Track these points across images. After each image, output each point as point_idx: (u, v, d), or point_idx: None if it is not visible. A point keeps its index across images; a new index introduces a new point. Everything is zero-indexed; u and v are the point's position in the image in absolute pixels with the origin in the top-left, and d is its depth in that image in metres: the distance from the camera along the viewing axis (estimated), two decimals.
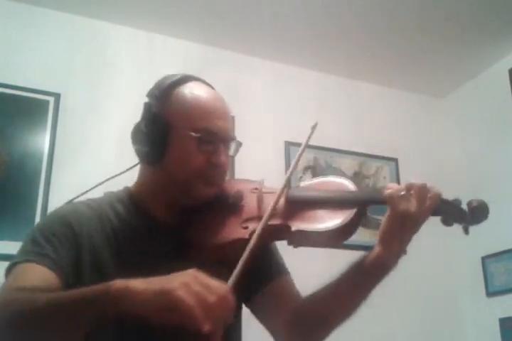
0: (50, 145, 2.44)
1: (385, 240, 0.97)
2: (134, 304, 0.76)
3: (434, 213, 0.97)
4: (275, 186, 1.07)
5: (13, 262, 0.97)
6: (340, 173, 2.96)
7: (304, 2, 2.65)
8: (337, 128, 3.07)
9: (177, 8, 2.66)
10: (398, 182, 2.91)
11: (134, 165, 1.13)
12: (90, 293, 0.79)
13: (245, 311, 1.17)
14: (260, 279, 1.12)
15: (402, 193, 0.94)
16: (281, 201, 1.04)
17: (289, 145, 2.88)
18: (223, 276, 0.85)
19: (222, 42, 2.91)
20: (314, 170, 2.93)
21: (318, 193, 1.06)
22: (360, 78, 3.23)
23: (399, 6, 2.67)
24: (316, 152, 2.95)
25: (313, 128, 1.12)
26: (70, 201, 1.11)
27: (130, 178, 1.15)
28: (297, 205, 1.04)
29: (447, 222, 1.00)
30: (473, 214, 0.98)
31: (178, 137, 1.05)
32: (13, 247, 2.14)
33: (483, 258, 2.95)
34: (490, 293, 2.89)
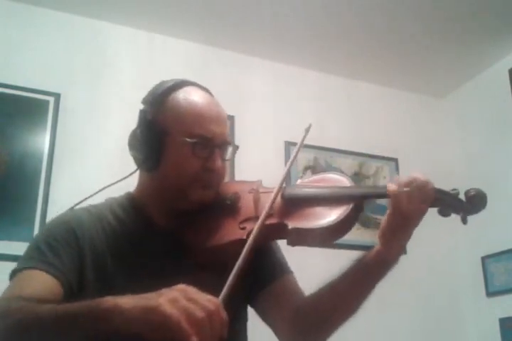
0: (50, 145, 2.44)
1: (386, 236, 0.98)
2: (123, 322, 0.76)
3: (433, 204, 0.97)
4: (273, 186, 1.07)
5: (17, 268, 0.98)
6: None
7: (304, 2, 2.65)
8: (337, 128, 3.07)
9: (177, 8, 2.66)
10: None
11: (133, 172, 1.13)
12: (80, 310, 0.80)
13: (250, 311, 1.17)
14: (263, 278, 1.13)
15: (405, 189, 0.94)
16: (278, 200, 1.04)
17: (288, 145, 2.88)
18: (223, 277, 0.85)
19: (222, 42, 2.91)
20: (314, 170, 2.93)
21: (315, 190, 1.07)
22: (360, 78, 3.23)
23: (399, 6, 2.67)
24: (316, 152, 2.95)
25: (307, 130, 1.13)
26: (72, 208, 1.12)
27: (132, 183, 1.16)
28: (294, 203, 1.04)
29: (445, 212, 0.99)
30: (472, 203, 0.97)
31: (174, 143, 1.06)
32: (13, 247, 2.16)
33: (483, 258, 2.95)
34: (490, 293, 2.90)
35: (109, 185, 1.12)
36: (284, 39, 2.90)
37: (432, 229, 2.81)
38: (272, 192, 1.04)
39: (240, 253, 0.90)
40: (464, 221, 0.98)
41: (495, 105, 3.10)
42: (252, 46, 2.95)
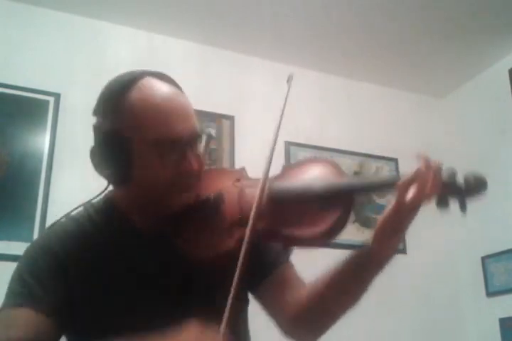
0: (50, 145, 2.45)
1: (384, 231, 0.96)
2: None
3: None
4: (258, 176, 1.00)
5: (3, 306, 0.94)
6: None
7: (304, 2, 2.66)
8: (337, 128, 3.07)
9: (177, 8, 2.66)
10: None
11: (107, 187, 1.04)
12: None
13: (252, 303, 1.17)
14: (263, 268, 1.09)
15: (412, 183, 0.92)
16: (264, 201, 0.95)
17: (289, 145, 2.87)
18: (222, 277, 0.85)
19: (222, 42, 2.91)
20: None
21: (303, 188, 0.97)
22: (360, 78, 3.23)
23: (399, 6, 2.67)
24: (316, 152, 2.95)
25: (289, 81, 1.04)
26: (54, 223, 1.04)
27: None
28: (282, 205, 0.97)
29: (443, 200, 0.96)
30: (471, 185, 0.96)
31: (138, 153, 0.94)
32: (13, 247, 2.16)
33: (483, 258, 2.95)
34: (490, 293, 2.90)
35: (94, 198, 1.05)
36: (284, 39, 2.90)
37: (432, 229, 2.80)
38: (256, 185, 0.96)
39: (232, 260, 0.87)
40: (463, 208, 0.93)
41: (495, 105, 3.10)
42: (252, 46, 2.95)
